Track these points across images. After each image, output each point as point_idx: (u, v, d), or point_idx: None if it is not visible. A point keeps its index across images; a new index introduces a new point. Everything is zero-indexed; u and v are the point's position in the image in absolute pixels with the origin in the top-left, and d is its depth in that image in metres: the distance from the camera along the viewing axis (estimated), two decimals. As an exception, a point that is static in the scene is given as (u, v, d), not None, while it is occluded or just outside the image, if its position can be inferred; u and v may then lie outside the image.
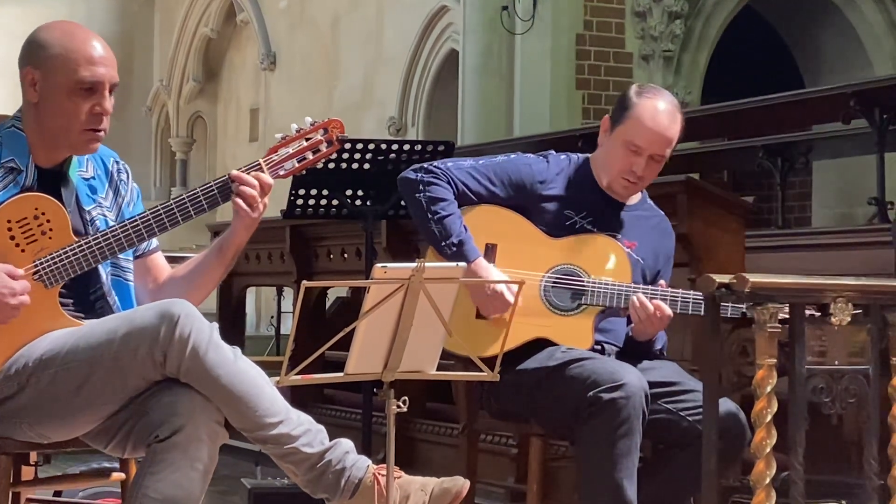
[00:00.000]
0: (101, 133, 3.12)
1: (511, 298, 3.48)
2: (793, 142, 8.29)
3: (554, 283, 3.58)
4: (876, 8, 11.92)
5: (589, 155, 3.75)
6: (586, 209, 3.64)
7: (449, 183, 3.61)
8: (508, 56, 11.26)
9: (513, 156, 3.72)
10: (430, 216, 3.56)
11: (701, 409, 3.35)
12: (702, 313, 3.45)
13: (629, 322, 3.61)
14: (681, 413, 3.47)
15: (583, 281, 3.57)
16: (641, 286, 3.56)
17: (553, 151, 3.76)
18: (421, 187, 3.60)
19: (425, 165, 3.65)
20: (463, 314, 3.47)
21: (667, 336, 3.71)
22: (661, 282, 3.61)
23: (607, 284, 3.55)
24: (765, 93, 8.23)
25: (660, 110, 3.60)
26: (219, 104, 17.68)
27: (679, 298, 3.53)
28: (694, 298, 3.52)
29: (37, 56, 3.10)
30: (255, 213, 3.11)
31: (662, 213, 3.83)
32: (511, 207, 3.65)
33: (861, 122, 7.33)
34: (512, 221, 3.63)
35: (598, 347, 3.60)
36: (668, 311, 3.52)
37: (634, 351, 3.64)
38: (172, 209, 3.09)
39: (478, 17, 11.39)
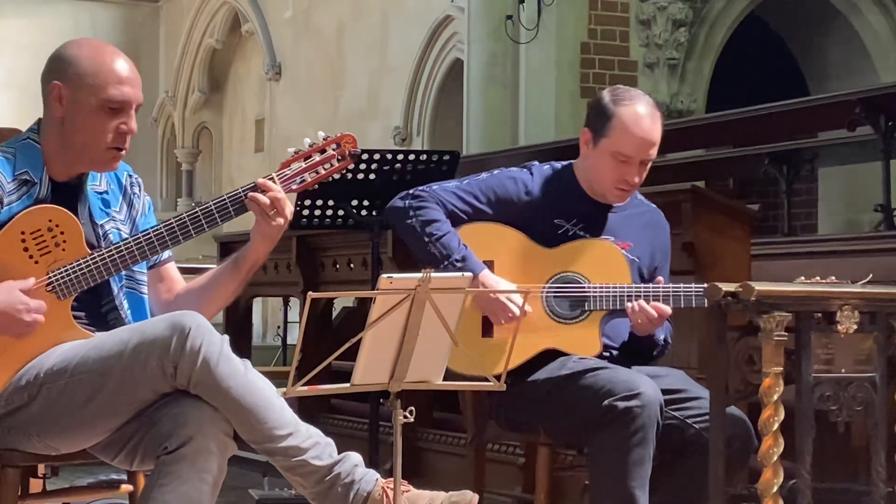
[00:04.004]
0: (123, 152, 3.14)
1: (515, 307, 3.49)
2: (798, 149, 8.29)
3: (555, 292, 3.58)
4: (881, 15, 11.92)
5: (572, 161, 3.75)
6: (576, 216, 3.64)
7: (438, 204, 3.61)
8: (513, 65, 11.28)
9: (496, 171, 3.71)
10: (426, 239, 3.55)
11: (707, 417, 3.36)
12: (705, 304, 3.47)
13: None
14: (687, 420, 3.47)
15: (584, 287, 3.57)
16: (643, 286, 3.56)
17: (536, 162, 3.76)
18: (411, 213, 3.59)
19: (410, 192, 3.64)
20: (468, 333, 3.46)
21: (672, 328, 3.71)
22: (659, 278, 3.62)
23: (608, 288, 3.55)
24: (770, 100, 8.23)
25: (642, 115, 3.58)
26: (224, 115, 17.72)
27: (682, 293, 3.54)
28: (696, 292, 3.52)
29: (65, 72, 3.10)
30: (274, 221, 3.12)
31: (654, 205, 3.83)
32: (502, 222, 3.65)
33: (866, 129, 7.33)
34: (505, 236, 3.62)
35: (607, 354, 3.61)
36: (667, 310, 3.53)
37: (639, 346, 3.65)
38: (185, 222, 3.09)
39: (482, 27, 11.41)
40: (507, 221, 3.63)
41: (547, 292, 3.57)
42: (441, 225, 3.57)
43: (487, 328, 3.59)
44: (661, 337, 3.67)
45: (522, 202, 3.64)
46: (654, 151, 3.61)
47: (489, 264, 3.58)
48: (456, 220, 3.62)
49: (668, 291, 3.54)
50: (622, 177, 3.60)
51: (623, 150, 3.57)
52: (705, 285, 3.50)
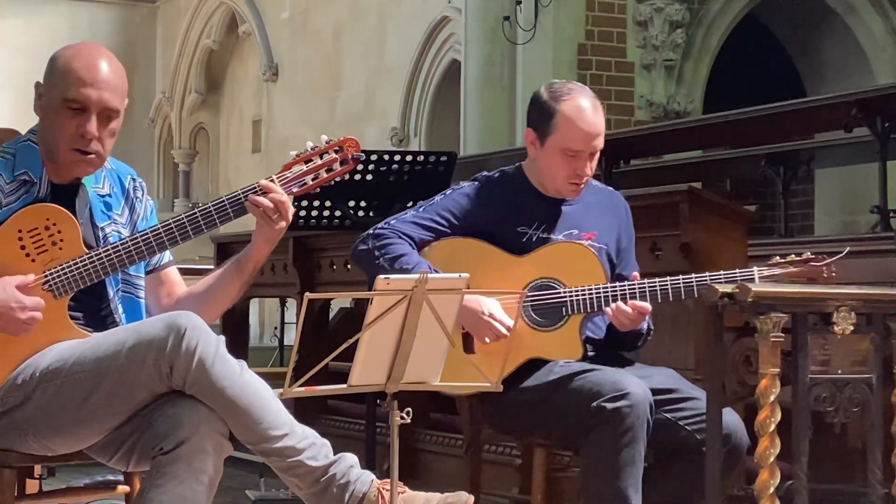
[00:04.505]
0: (91, 156, 3.10)
1: (505, 319, 3.49)
2: (795, 150, 8.30)
3: (532, 301, 3.57)
4: (877, 16, 11.93)
5: (520, 164, 3.75)
6: (537, 218, 3.64)
7: (400, 237, 3.61)
8: (510, 66, 11.28)
9: (449, 192, 3.71)
10: None
11: (700, 418, 3.37)
12: (682, 297, 3.52)
13: None
14: (679, 422, 3.46)
15: (560, 292, 3.56)
16: (619, 285, 3.55)
17: (485, 172, 3.77)
18: (377, 253, 3.58)
19: (370, 232, 3.64)
20: (452, 351, 3.44)
21: (651, 321, 3.70)
22: (635, 274, 3.61)
23: (584, 291, 3.54)
24: (767, 101, 8.23)
25: (584, 108, 3.59)
26: (221, 115, 17.71)
27: (657, 288, 3.53)
28: (672, 284, 3.51)
29: (46, 72, 3.13)
30: (277, 224, 3.12)
31: (609, 188, 3.85)
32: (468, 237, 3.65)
33: (863, 131, 7.33)
34: (474, 249, 3.61)
35: (592, 354, 3.60)
36: (647, 307, 3.52)
37: (621, 339, 3.64)
38: (184, 223, 3.09)
39: (479, 28, 11.41)
40: (472, 236, 3.64)
41: (529, 300, 3.55)
42: (409, 258, 3.56)
43: (468, 344, 3.57)
44: (644, 327, 3.66)
45: (482, 215, 3.64)
46: (600, 141, 3.62)
47: None
48: (421, 248, 3.63)
49: (644, 288, 3.53)
50: (574, 171, 3.60)
51: (571, 145, 3.58)
52: (680, 277, 3.52)
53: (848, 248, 3.60)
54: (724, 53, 11.81)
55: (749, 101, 8.81)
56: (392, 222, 3.65)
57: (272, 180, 3.14)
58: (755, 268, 3.49)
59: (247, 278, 3.24)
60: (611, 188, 3.85)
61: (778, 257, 3.52)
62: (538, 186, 3.68)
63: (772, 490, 2.88)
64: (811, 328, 2.96)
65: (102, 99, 3.08)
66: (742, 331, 3.02)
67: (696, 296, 3.52)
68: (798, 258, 3.50)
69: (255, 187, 3.12)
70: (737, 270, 3.50)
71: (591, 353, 3.59)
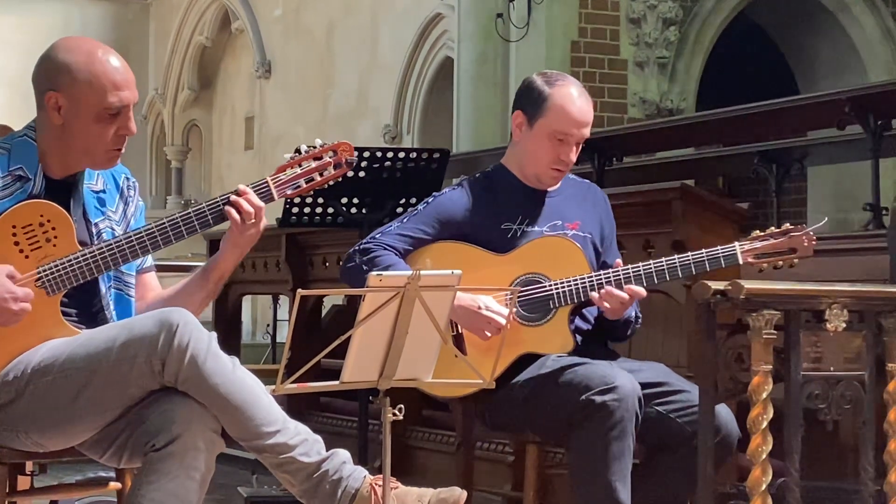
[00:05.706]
0: (122, 150, 3.15)
1: (500, 317, 3.49)
2: (788, 148, 8.29)
3: (519, 296, 3.57)
4: (870, 14, 11.94)
5: (500, 162, 3.77)
6: (520, 214, 3.66)
7: (386, 249, 3.62)
8: (503, 63, 11.27)
9: (431, 200, 3.73)
10: None
11: (690, 410, 3.38)
12: (667, 279, 3.55)
13: None
14: (671, 415, 3.47)
15: (545, 286, 3.57)
16: (603, 273, 3.56)
17: (465, 176, 3.79)
18: (365, 267, 3.57)
19: (357, 248, 3.66)
20: (443, 351, 3.44)
21: (640, 311, 3.71)
22: (618, 261, 3.62)
23: (570, 282, 3.55)
24: (760, 99, 8.23)
25: (576, 96, 3.64)
26: (214, 112, 17.70)
27: (642, 272, 3.54)
28: (656, 267, 3.53)
29: (60, 81, 3.07)
30: (248, 231, 3.11)
31: (587, 181, 3.89)
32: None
33: (856, 128, 7.34)
34: (456, 252, 3.62)
35: (581, 347, 3.60)
36: (642, 291, 3.53)
37: (611, 327, 3.66)
38: (178, 223, 3.09)
39: (472, 25, 11.41)
40: (458, 240, 3.65)
41: (521, 294, 3.56)
42: (396, 267, 3.57)
43: (460, 346, 3.57)
44: (632, 314, 3.67)
45: (466, 219, 3.65)
46: (587, 131, 3.66)
47: None
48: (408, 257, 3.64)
49: (629, 273, 3.54)
50: (559, 156, 3.64)
51: (562, 128, 3.61)
52: (664, 260, 3.53)
53: (826, 219, 3.62)
54: (718, 51, 11.81)
55: (742, 98, 8.81)
56: (377, 236, 3.67)
57: (265, 182, 3.15)
58: (736, 243, 3.51)
59: (212, 287, 3.23)
60: (587, 181, 3.89)
61: (757, 231, 3.53)
62: (519, 175, 3.71)
63: (764, 487, 2.89)
64: (804, 325, 2.97)
65: (135, 95, 3.13)
66: (734, 328, 3.03)
67: (680, 276, 3.55)
68: (777, 230, 3.51)
69: (236, 191, 3.13)
70: (719, 247, 3.51)
71: (580, 346, 3.59)
